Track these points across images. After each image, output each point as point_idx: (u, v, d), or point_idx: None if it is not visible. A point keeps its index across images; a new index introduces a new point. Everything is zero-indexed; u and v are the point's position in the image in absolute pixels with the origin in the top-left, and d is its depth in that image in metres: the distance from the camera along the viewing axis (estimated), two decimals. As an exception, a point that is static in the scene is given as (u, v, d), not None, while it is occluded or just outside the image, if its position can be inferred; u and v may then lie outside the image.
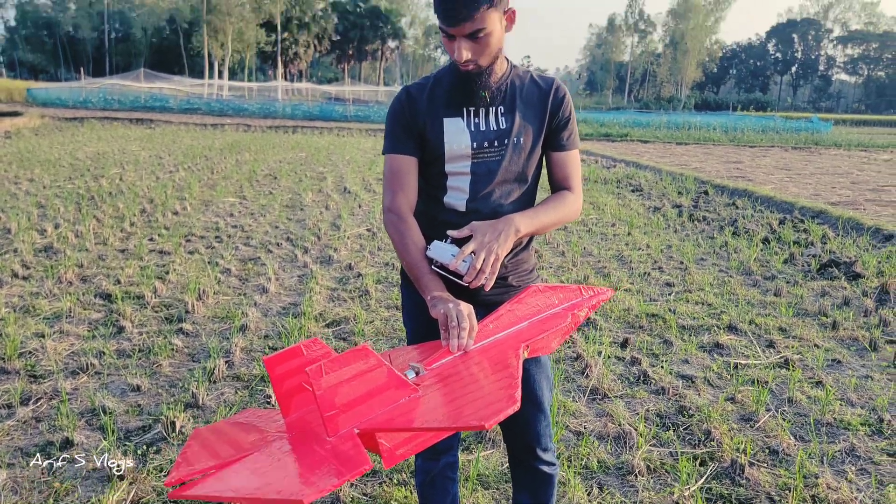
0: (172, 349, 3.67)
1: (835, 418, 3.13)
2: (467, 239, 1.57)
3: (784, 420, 3.10)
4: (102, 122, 21.87)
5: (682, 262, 6.01)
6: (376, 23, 64.93)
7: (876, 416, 3.15)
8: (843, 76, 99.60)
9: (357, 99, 42.72)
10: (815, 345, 4.08)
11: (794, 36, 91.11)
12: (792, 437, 2.95)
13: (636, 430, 2.92)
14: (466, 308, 1.48)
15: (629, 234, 7.20)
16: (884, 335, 4.27)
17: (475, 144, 1.71)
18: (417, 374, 1.37)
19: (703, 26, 72.15)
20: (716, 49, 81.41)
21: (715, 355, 3.90)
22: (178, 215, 7.30)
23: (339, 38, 65.29)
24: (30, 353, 3.54)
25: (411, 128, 1.73)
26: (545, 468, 1.90)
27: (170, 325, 4.04)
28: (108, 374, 3.36)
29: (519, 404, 1.15)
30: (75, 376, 3.31)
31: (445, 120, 1.71)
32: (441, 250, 1.57)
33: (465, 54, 1.56)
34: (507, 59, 1.74)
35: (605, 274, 5.53)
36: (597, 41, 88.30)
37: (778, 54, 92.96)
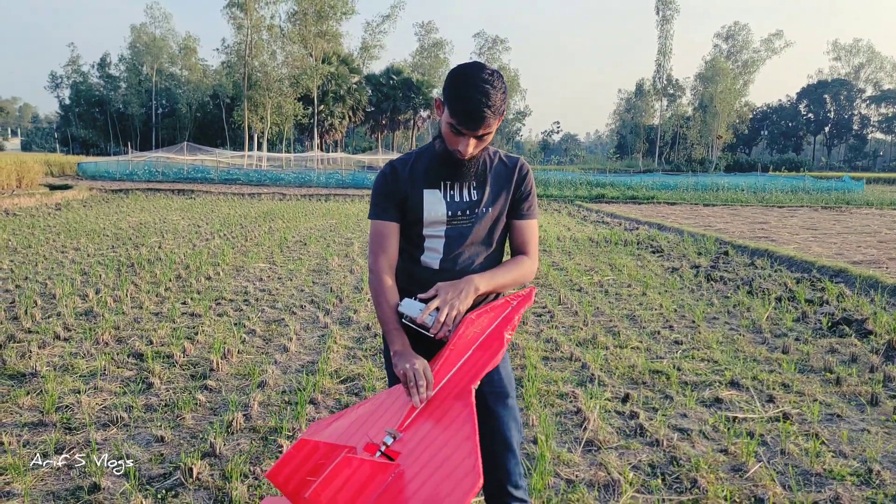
0: (196, 403, 3.94)
1: (824, 469, 3.21)
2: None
3: (774, 470, 3.20)
4: (146, 193, 22.99)
5: (693, 321, 6.12)
6: (408, 94, 67.45)
7: (866, 468, 3.21)
8: (879, 135, 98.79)
9: (389, 166, 44.04)
10: (816, 399, 4.16)
11: (826, 97, 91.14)
12: (780, 487, 3.04)
13: (624, 477, 3.05)
14: (421, 364, 1.76)
15: (644, 293, 7.35)
16: (886, 390, 4.32)
17: (450, 213, 2.01)
18: (395, 438, 1.63)
19: (731, 89, 72.79)
20: (745, 111, 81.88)
21: (714, 410, 4.00)
22: (211, 280, 7.71)
23: (372, 109, 67.84)
24: (66, 407, 3.85)
25: (394, 197, 2.03)
26: (517, 504, 2.09)
27: (195, 382, 4.33)
28: (136, 426, 3.64)
29: (482, 480, 1.44)
30: (106, 428, 3.59)
31: (426, 191, 2.02)
32: (410, 306, 1.85)
33: (471, 150, 1.89)
34: None
35: (614, 333, 5.68)
36: (626, 106, 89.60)
37: (810, 115, 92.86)
